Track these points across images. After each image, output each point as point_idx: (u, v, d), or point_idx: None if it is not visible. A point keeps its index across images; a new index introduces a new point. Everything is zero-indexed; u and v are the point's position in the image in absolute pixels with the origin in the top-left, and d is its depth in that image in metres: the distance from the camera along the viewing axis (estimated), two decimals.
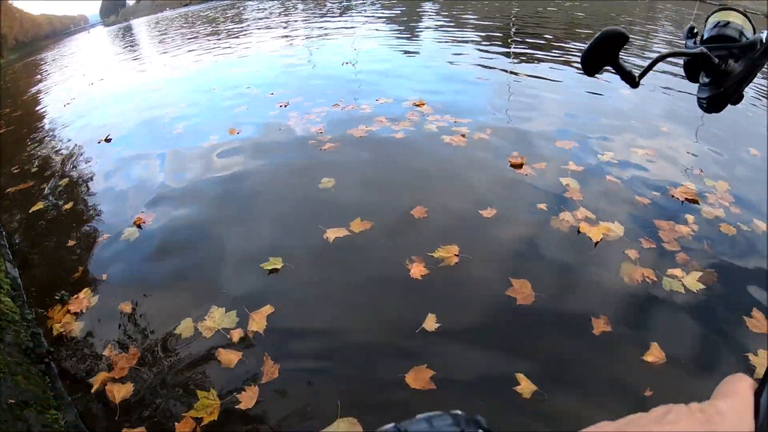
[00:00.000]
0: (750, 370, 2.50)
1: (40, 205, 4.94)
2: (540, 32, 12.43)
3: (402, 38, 12.78)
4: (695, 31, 0.99)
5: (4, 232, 4.50)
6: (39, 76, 17.44)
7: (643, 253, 3.36)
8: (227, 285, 3.28)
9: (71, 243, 4.06)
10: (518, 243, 3.50)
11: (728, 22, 0.93)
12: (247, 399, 2.46)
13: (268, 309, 2.99)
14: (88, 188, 5.29)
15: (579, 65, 0.91)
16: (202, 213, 4.24)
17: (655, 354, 2.60)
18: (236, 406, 2.43)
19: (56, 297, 3.33)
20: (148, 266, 3.63)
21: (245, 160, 5.23)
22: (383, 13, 19.21)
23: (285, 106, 7.10)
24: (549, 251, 3.41)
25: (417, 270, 3.20)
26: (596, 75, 0.95)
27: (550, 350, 2.67)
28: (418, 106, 6.46)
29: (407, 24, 15.65)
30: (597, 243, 3.44)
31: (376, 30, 14.41)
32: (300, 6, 26.86)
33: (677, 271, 3.18)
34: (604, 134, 5.37)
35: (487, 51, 10.11)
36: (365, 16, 18.29)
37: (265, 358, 2.67)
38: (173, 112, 7.58)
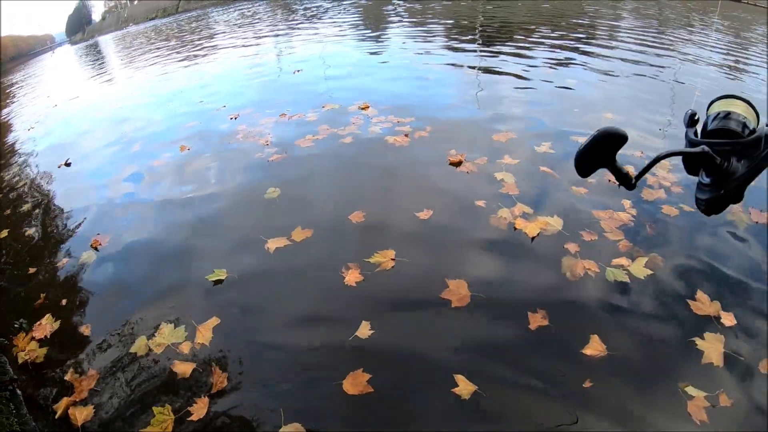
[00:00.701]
0: (696, 355, 2.60)
1: (4, 233, 4.95)
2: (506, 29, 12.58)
3: (367, 41, 12.76)
4: (696, 118, 0.93)
5: None
6: (6, 100, 17.18)
7: (585, 245, 3.42)
8: (176, 300, 3.38)
9: (32, 270, 4.10)
10: (455, 243, 3.58)
11: (729, 113, 0.86)
12: (199, 410, 2.57)
13: (214, 321, 3.11)
14: (48, 213, 5.30)
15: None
16: (153, 232, 4.31)
17: (595, 347, 2.64)
18: (189, 418, 2.53)
19: (15, 326, 3.39)
20: (105, 288, 3.69)
21: (195, 176, 5.29)
22: (349, 18, 19.01)
23: (235, 118, 7.16)
24: (487, 250, 3.47)
25: (352, 277, 3.28)
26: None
27: (487, 349, 2.72)
28: (363, 109, 6.56)
29: (373, 28, 15.61)
30: (534, 238, 3.52)
31: (342, 35, 14.33)
32: (264, 14, 26.57)
33: (622, 260, 3.24)
34: (545, 125, 5.54)
35: (452, 49, 10.30)
36: (330, 22, 17.96)
37: (213, 369, 2.79)
38: (131, 131, 7.57)
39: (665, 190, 4.01)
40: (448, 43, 11.11)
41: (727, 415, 2.34)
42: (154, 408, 2.60)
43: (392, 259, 3.41)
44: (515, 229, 3.64)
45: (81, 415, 2.66)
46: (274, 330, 3.03)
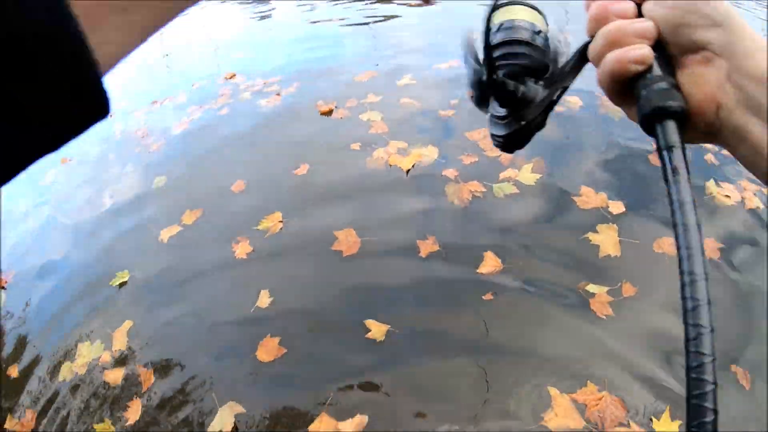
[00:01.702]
0: (592, 250, 2.62)
1: None
2: None
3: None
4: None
5: None
6: None
7: (465, 169, 3.36)
8: (87, 316, 3.27)
9: None
10: (337, 193, 3.49)
11: (513, 21, 0.65)
12: (133, 413, 2.55)
13: (127, 324, 3.04)
14: None
15: None
16: (51, 253, 4.05)
17: (489, 263, 2.64)
18: (126, 424, 2.52)
19: None
20: (21, 324, 3.50)
21: (70, 189, 4.97)
22: None
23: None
24: (370, 193, 3.41)
25: (242, 249, 3.23)
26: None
27: (384, 290, 2.73)
28: (230, 78, 6.28)
29: None
30: (408, 171, 3.46)
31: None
32: None
33: (508, 172, 3.19)
34: (403, 61, 5.36)
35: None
36: None
37: (138, 368, 2.76)
38: None
39: None
40: None
41: (633, 305, 2.39)
42: (95, 426, 2.56)
43: (280, 221, 3.35)
44: (390, 165, 3.55)
45: None
46: (182, 318, 2.98)
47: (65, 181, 5.35)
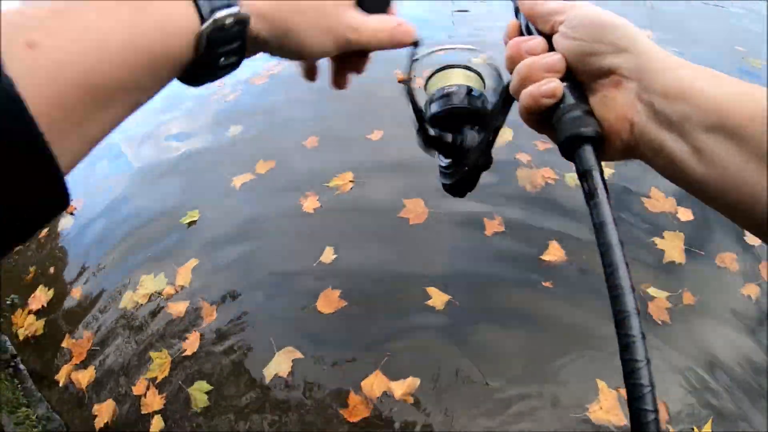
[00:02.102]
0: (657, 254, 2.56)
1: None
2: None
3: None
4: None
5: None
6: None
7: (539, 154, 3.23)
8: (154, 248, 3.34)
9: (16, 249, 4.00)
10: (408, 164, 3.39)
11: (446, 91, 0.70)
12: (191, 345, 2.61)
13: (193, 262, 3.08)
14: None
15: None
16: (125, 187, 4.16)
17: (553, 252, 2.59)
18: (182, 354, 2.58)
19: (8, 302, 3.35)
20: (87, 250, 3.61)
21: (155, 128, 5.01)
22: None
23: None
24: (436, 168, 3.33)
25: (310, 203, 3.22)
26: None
27: (447, 259, 2.72)
28: None
29: None
30: None
31: None
32: None
33: None
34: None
35: None
36: None
37: (202, 303, 2.81)
38: None
39: None
40: None
41: (690, 315, 2.33)
42: (151, 353, 2.62)
43: (350, 181, 3.34)
44: None
45: (84, 378, 2.66)
46: (246, 262, 3.02)
47: (140, 120, 5.52)
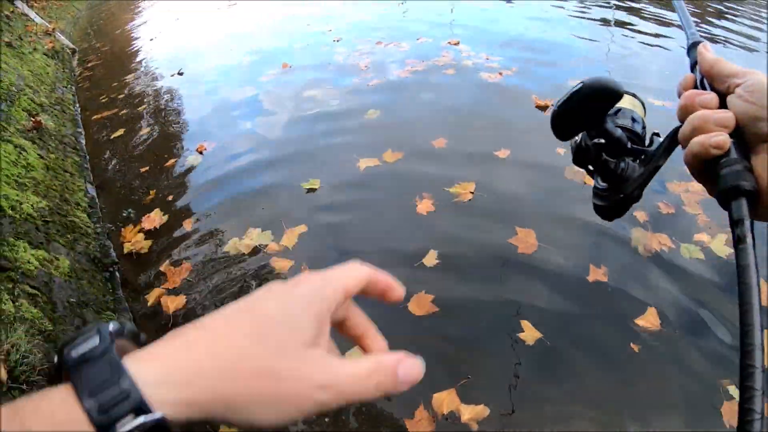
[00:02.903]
0: None
1: (120, 132, 5.04)
2: None
3: None
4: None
5: (87, 156, 4.61)
6: (130, 13, 17.63)
7: (659, 217, 3.02)
8: (271, 203, 3.39)
9: (144, 169, 4.13)
10: (529, 189, 3.31)
11: (619, 110, 0.73)
12: None
13: (302, 228, 3.07)
14: (158, 118, 5.34)
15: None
16: (255, 141, 4.27)
17: (649, 319, 2.37)
18: None
19: (123, 214, 3.46)
20: (207, 189, 3.69)
21: (295, 93, 5.20)
22: None
23: (338, 40, 7.01)
24: (561, 202, 3.18)
25: (425, 206, 3.14)
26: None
27: (545, 296, 2.56)
28: (454, 44, 6.21)
29: None
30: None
31: None
32: None
33: (702, 236, 2.85)
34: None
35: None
36: None
37: (303, 268, 2.79)
38: (243, 48, 7.50)
39: None
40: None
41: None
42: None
43: (471, 192, 3.22)
44: (584, 183, 3.26)
45: (173, 303, 2.68)
46: (352, 244, 2.98)
47: (282, 83, 5.59)
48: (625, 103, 0.74)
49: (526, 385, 2.18)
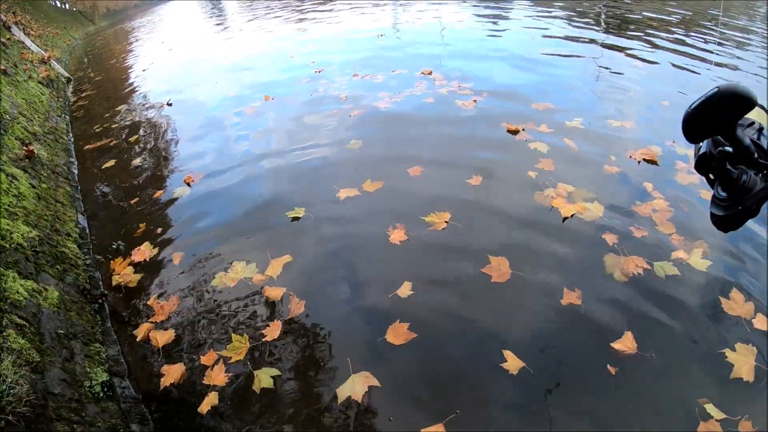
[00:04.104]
0: (726, 368, 2.20)
1: (112, 162, 4.97)
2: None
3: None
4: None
5: (79, 186, 4.52)
6: (125, 43, 17.61)
7: (630, 240, 2.98)
8: (253, 232, 3.36)
9: (134, 200, 4.06)
10: (503, 217, 3.26)
11: (752, 122, 0.70)
12: (272, 332, 2.53)
13: (286, 258, 3.02)
14: (149, 148, 5.28)
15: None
16: (241, 172, 4.22)
17: (626, 343, 2.30)
18: (263, 340, 2.48)
19: (113, 246, 3.36)
20: (195, 221, 3.63)
21: (279, 125, 5.23)
22: None
23: (319, 72, 7.12)
24: (528, 227, 3.14)
25: (397, 235, 3.11)
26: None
27: (522, 321, 2.51)
28: (427, 74, 6.32)
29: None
30: (566, 219, 3.15)
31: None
32: None
33: (680, 254, 2.80)
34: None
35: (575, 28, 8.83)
36: None
37: (292, 298, 2.72)
38: (230, 79, 7.56)
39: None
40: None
41: None
42: (233, 335, 2.52)
43: (446, 222, 3.19)
44: (552, 207, 3.26)
45: (162, 337, 2.59)
46: (333, 273, 2.93)
47: (265, 115, 5.59)
48: (754, 115, 0.71)
49: (514, 417, 2.11)
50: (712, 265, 2.73)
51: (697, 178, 3.50)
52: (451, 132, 4.54)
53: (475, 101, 5.18)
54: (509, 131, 4.42)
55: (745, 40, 7.68)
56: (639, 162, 3.79)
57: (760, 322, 2.39)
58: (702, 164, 0.72)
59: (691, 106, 0.66)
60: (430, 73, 6.33)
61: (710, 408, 2.03)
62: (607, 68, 6.26)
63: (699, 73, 5.86)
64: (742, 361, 2.22)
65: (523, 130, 4.41)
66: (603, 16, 9.90)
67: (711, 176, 0.72)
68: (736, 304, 2.48)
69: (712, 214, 0.73)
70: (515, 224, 3.15)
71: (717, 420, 1.98)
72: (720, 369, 2.20)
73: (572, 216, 3.15)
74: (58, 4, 29.64)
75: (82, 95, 8.65)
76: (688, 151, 3.91)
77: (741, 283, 2.61)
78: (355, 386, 2.21)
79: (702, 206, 3.20)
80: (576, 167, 3.73)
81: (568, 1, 12.00)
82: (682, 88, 5.36)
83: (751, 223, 2.98)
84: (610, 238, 2.94)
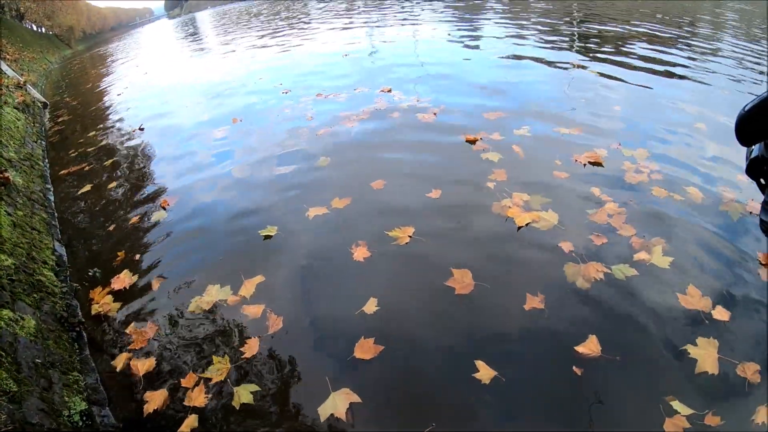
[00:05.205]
0: (689, 364, 2.18)
1: (88, 187, 4.82)
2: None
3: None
4: None
5: (55, 213, 4.36)
6: (101, 66, 17.33)
7: (587, 244, 2.96)
8: (227, 253, 3.31)
9: (112, 227, 3.93)
10: (464, 230, 3.23)
11: None
12: (250, 349, 2.49)
13: (259, 278, 2.96)
14: (125, 172, 5.14)
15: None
16: (215, 194, 4.17)
17: (591, 346, 2.27)
18: (242, 357, 2.43)
19: (89, 273, 3.24)
20: (172, 245, 3.54)
21: (249, 146, 5.21)
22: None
23: (286, 93, 7.16)
24: (488, 237, 3.12)
25: (360, 252, 3.06)
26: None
27: (491, 330, 2.46)
28: (387, 91, 6.41)
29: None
30: (521, 228, 3.15)
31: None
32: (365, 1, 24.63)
33: (642, 255, 2.81)
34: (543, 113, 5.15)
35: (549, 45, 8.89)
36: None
37: (270, 315, 2.68)
38: (203, 102, 7.51)
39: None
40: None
41: None
42: (214, 357, 2.46)
43: (409, 236, 3.16)
44: (507, 217, 3.25)
45: (143, 366, 2.50)
46: (304, 292, 2.86)
47: (235, 137, 5.54)
48: None
49: (489, 423, 2.06)
50: (674, 261, 2.74)
51: (647, 177, 3.59)
52: (411, 145, 4.55)
53: (434, 114, 5.22)
54: (468, 141, 4.47)
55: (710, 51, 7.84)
56: (585, 165, 3.86)
57: (719, 314, 2.41)
58: (753, 168, 0.62)
59: (744, 108, 0.61)
60: (389, 90, 6.37)
61: (676, 405, 2.01)
62: (567, 78, 6.48)
63: (651, 88, 5.97)
64: (706, 354, 2.22)
65: (481, 140, 4.45)
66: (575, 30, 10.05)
67: (762, 181, 0.66)
68: (692, 299, 2.49)
69: (762, 222, 0.68)
70: (475, 236, 3.13)
71: (684, 416, 1.96)
72: (685, 365, 2.20)
73: (527, 225, 3.16)
74: (35, 28, 29.15)
75: (58, 120, 8.45)
76: (634, 152, 3.98)
77: (698, 277, 2.64)
78: (336, 404, 2.16)
79: (655, 205, 3.29)
80: (527, 175, 3.78)
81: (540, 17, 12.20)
82: (636, 96, 5.58)
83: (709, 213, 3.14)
84: (566, 246, 2.94)
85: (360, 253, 3.05)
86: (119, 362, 2.56)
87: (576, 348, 2.28)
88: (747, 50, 8.03)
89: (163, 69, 12.46)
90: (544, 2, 16.07)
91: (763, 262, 2.71)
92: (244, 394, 2.25)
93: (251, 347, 2.50)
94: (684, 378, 2.14)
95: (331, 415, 2.11)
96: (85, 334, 2.78)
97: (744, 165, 0.67)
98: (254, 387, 2.30)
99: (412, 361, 2.33)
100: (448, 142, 4.52)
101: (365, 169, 4.15)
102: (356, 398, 2.15)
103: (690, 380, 2.13)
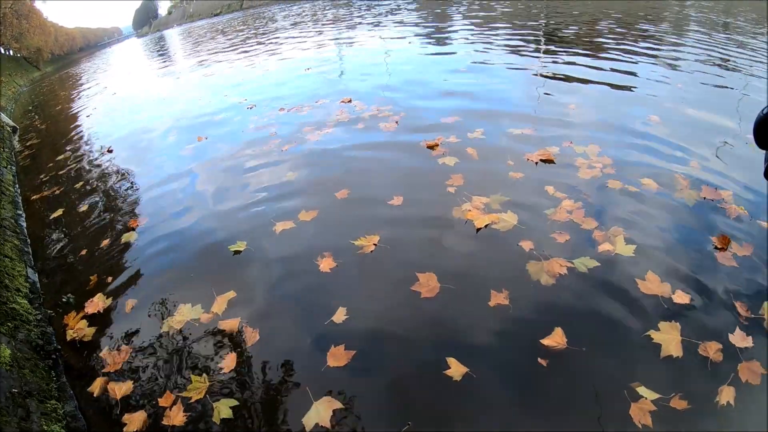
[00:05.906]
0: (653, 348, 2.23)
1: (59, 211, 4.71)
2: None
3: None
4: None
5: (28, 240, 4.25)
6: (70, 89, 16.96)
7: (549, 241, 2.98)
8: (197, 270, 3.28)
9: (83, 251, 3.84)
10: (425, 236, 3.23)
11: None
12: (229, 363, 2.46)
13: (231, 294, 2.93)
14: (95, 195, 5.05)
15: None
16: (182, 213, 4.12)
17: (556, 338, 2.29)
18: (221, 372, 2.40)
19: (63, 300, 3.16)
20: (143, 266, 3.48)
21: (215, 165, 5.13)
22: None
23: (251, 108, 7.14)
24: (451, 240, 3.12)
25: (326, 263, 3.05)
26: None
27: (459, 331, 2.46)
28: (347, 102, 6.46)
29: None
30: (479, 230, 3.17)
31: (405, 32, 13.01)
32: (330, 13, 24.81)
33: (606, 246, 2.83)
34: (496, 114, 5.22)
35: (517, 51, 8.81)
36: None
37: (246, 329, 2.65)
38: (167, 125, 7.41)
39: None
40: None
41: (676, 423, 1.93)
42: (192, 376, 2.41)
43: (374, 244, 3.15)
44: (467, 219, 3.26)
45: (120, 390, 2.44)
46: (275, 304, 2.86)
47: (202, 155, 5.49)
48: None
49: (467, 421, 2.06)
50: (637, 248, 2.81)
51: (599, 171, 3.66)
52: (374, 154, 4.58)
53: (396, 122, 5.25)
54: (428, 146, 4.51)
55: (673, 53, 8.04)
56: (536, 163, 3.92)
57: (680, 297, 2.46)
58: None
59: (762, 111, 0.60)
60: (350, 101, 6.40)
61: (642, 390, 2.03)
62: (527, 79, 6.61)
63: (608, 84, 6.12)
64: (669, 338, 2.24)
65: (438, 145, 4.50)
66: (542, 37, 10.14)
67: None
68: (652, 285, 2.53)
69: None
70: (438, 240, 3.15)
71: (650, 400, 1.98)
72: (649, 350, 2.22)
73: (486, 226, 3.18)
74: (2, 51, 28.41)
75: (28, 144, 8.27)
76: (586, 148, 4.06)
77: (659, 263, 2.71)
78: (320, 414, 2.15)
79: (611, 197, 3.37)
80: (483, 177, 3.83)
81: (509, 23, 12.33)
82: (593, 94, 5.68)
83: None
84: (527, 245, 2.97)
85: (326, 263, 3.04)
86: (96, 387, 2.49)
87: (542, 341, 2.29)
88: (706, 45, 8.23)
89: (131, 89, 12.25)
90: (509, 7, 16.27)
91: (718, 246, 2.81)
92: (223, 410, 2.23)
93: (228, 363, 2.47)
94: (649, 363, 2.17)
95: (317, 424, 2.10)
96: (61, 361, 2.70)
97: (762, 168, 0.67)
98: (233, 402, 2.27)
99: (385, 362, 2.35)
100: (409, 148, 4.55)
101: (330, 180, 4.15)
102: (338, 404, 2.14)
103: (655, 365, 2.16)
